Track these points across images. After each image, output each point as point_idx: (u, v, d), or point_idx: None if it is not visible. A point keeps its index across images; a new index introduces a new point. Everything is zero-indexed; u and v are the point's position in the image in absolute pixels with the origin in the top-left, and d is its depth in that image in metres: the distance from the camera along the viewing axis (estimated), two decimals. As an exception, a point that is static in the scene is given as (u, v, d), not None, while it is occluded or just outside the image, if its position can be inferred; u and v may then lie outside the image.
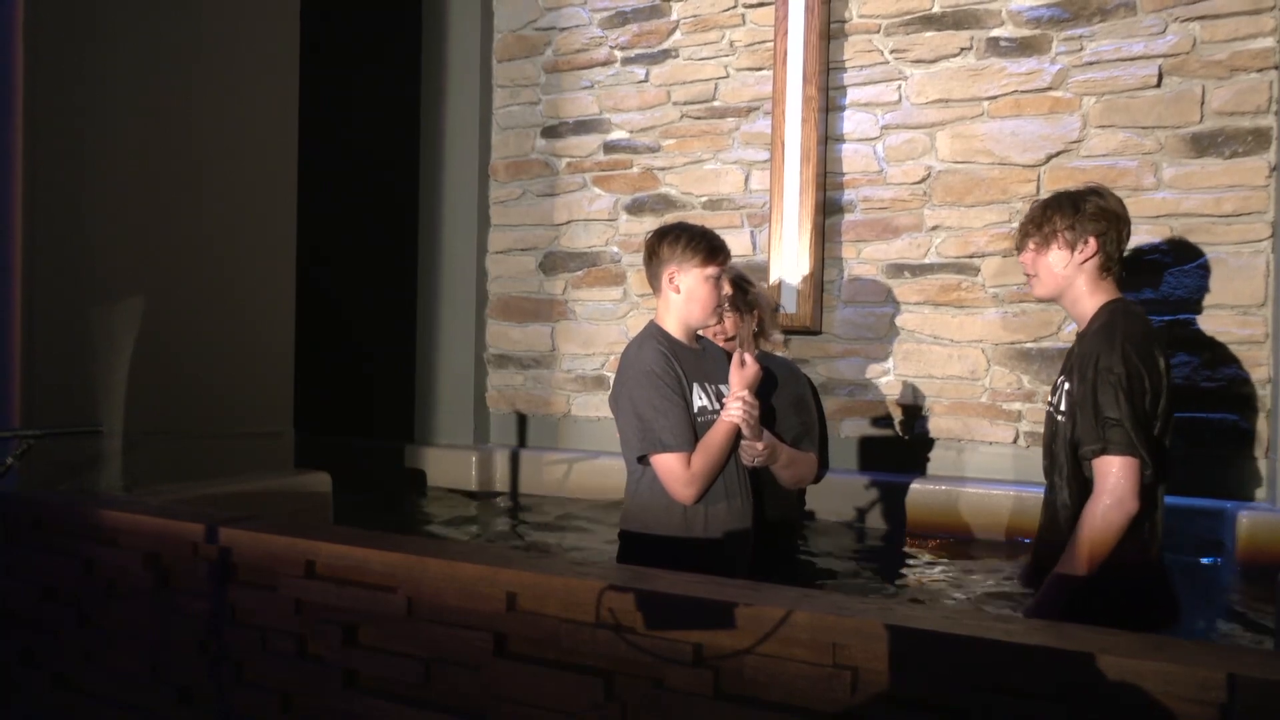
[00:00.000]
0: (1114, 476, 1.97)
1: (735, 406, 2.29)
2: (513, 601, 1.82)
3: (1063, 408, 2.15)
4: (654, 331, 2.42)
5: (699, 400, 2.36)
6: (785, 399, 2.64)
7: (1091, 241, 2.12)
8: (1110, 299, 2.15)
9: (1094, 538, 1.97)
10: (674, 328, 2.42)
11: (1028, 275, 2.24)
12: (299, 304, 3.86)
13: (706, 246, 2.37)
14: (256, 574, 2.18)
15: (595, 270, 5.09)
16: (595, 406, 5.10)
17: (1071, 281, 2.16)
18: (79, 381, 3.01)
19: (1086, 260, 2.14)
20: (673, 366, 2.33)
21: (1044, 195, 4.02)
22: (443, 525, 4.52)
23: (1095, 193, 2.17)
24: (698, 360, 2.43)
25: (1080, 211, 2.13)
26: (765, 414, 2.49)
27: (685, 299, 2.39)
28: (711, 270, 2.37)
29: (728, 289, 2.45)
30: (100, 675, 2.46)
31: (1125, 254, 2.20)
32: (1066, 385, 2.15)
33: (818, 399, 2.82)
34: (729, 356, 2.42)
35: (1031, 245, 2.19)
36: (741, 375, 2.32)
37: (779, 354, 2.93)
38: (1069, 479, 2.13)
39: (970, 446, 4.22)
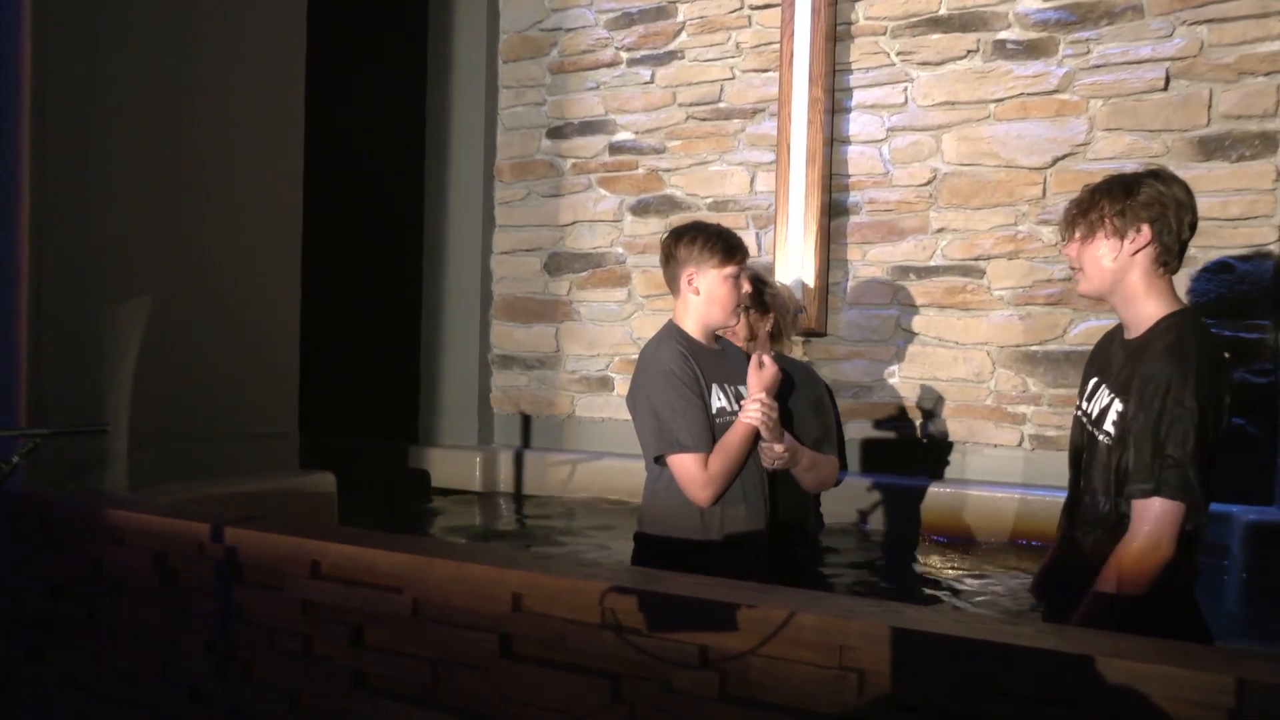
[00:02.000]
0: (1156, 521, 1.75)
1: (753, 408, 2.26)
2: (519, 602, 1.82)
3: (1108, 428, 1.89)
4: (672, 331, 2.39)
5: (717, 401, 2.34)
6: (804, 402, 2.61)
7: (1145, 230, 1.84)
8: (1175, 308, 1.87)
9: (1130, 579, 1.78)
10: (693, 328, 2.39)
11: (1073, 269, 1.98)
12: (304, 304, 3.86)
13: (724, 246, 2.33)
14: (263, 574, 2.18)
15: (600, 271, 5.09)
16: (599, 407, 5.10)
17: (1122, 277, 1.88)
18: (86, 381, 3.02)
19: (1138, 251, 1.85)
20: (690, 366, 2.30)
21: (1049, 198, 4.04)
22: (447, 526, 4.53)
23: (1155, 175, 1.88)
24: (717, 361, 2.40)
25: (1133, 196, 1.85)
26: (784, 417, 2.47)
27: (705, 300, 2.35)
28: (730, 269, 2.33)
29: (747, 287, 2.41)
30: (108, 674, 2.46)
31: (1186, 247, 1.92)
32: (1119, 406, 1.87)
33: (834, 402, 2.79)
34: (749, 358, 2.40)
35: (1077, 235, 1.92)
36: (760, 377, 2.28)
37: (795, 356, 2.90)
38: (1104, 508, 1.91)
39: (975, 449, 4.21)
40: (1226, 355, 1.86)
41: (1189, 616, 1.94)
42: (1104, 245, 1.88)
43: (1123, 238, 1.86)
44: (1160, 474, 1.75)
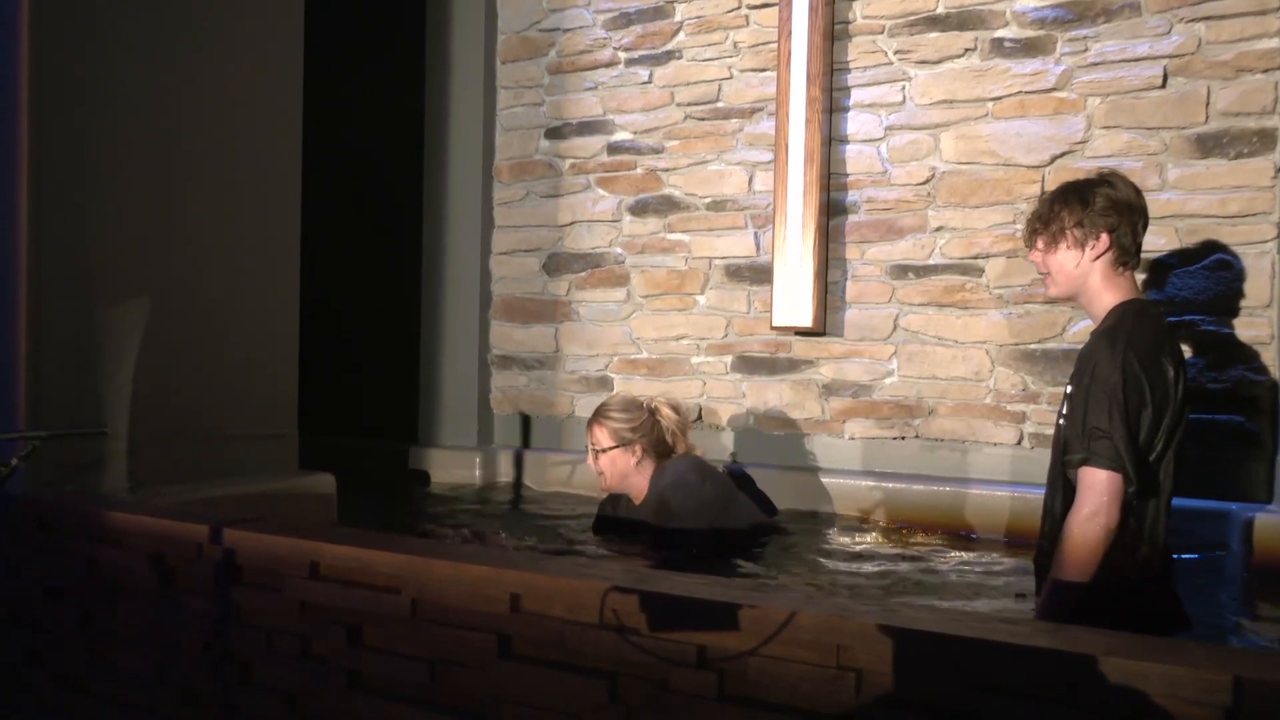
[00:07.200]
0: (1094, 489, 1.89)
1: None
2: (517, 602, 1.82)
3: (1064, 411, 2.08)
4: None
5: None
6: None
7: (1104, 237, 2.00)
8: (1126, 298, 2.03)
9: (1073, 549, 1.91)
10: None
11: (1040, 274, 2.14)
12: (302, 305, 3.86)
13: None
14: (261, 575, 2.18)
15: (599, 271, 5.09)
16: (599, 407, 5.09)
17: (1085, 279, 2.04)
18: (84, 383, 3.01)
19: (1099, 256, 2.02)
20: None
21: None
22: (446, 526, 4.52)
23: (1105, 183, 2.04)
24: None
25: (1089, 206, 2.01)
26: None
27: None
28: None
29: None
30: (104, 676, 2.46)
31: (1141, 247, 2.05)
32: (1069, 389, 2.07)
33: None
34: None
35: (1040, 244, 2.08)
36: None
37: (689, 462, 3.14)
38: (1062, 487, 2.06)
39: (974, 448, 4.21)
40: (1167, 338, 1.98)
41: (1165, 610, 2.03)
42: (1066, 254, 2.04)
43: (1083, 246, 2.02)
44: (1089, 444, 1.90)
